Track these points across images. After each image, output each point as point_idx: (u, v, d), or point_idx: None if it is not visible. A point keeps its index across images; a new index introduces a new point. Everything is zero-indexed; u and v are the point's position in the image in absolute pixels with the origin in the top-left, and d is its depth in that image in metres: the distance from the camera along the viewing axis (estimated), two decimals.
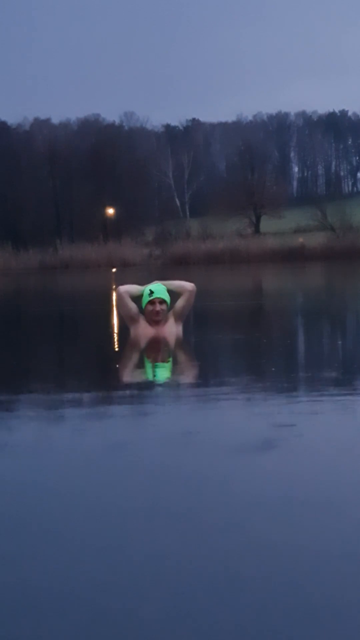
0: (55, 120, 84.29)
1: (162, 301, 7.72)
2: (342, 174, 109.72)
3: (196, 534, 2.67)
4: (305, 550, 2.50)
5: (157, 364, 6.81)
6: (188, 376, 6.13)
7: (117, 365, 6.66)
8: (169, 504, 3.00)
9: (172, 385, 5.74)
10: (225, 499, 3.03)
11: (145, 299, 7.73)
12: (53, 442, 4.08)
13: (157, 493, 3.14)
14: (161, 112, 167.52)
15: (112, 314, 12.20)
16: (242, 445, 3.86)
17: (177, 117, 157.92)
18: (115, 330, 9.88)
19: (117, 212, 60.36)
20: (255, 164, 67.35)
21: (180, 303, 7.93)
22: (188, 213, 73.49)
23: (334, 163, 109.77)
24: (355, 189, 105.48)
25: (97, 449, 3.88)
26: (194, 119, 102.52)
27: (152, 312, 7.73)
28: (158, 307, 7.70)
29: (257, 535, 2.63)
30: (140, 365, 6.81)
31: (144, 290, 7.77)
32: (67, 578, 2.37)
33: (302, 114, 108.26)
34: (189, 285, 7.98)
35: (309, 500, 2.98)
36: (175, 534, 2.67)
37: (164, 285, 7.89)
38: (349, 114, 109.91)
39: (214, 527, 2.73)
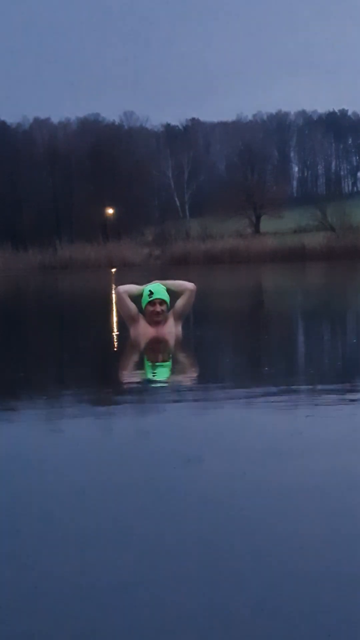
0: (55, 119, 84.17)
1: (162, 301, 7.71)
2: (342, 173, 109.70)
3: (198, 536, 2.66)
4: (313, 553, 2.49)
5: (157, 364, 6.81)
6: (188, 376, 6.13)
7: (117, 366, 6.66)
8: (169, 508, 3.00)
9: (172, 385, 5.73)
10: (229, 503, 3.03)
11: (145, 299, 7.72)
12: (56, 443, 4.08)
13: (159, 496, 3.13)
14: (161, 111, 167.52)
15: (112, 314, 12.19)
16: (243, 445, 3.85)
17: (176, 117, 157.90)
18: (115, 330, 9.87)
19: (116, 212, 60.34)
20: (255, 163, 67.34)
21: (180, 303, 7.92)
22: (188, 213, 73.41)
23: (334, 163, 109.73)
24: (355, 189, 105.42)
25: (95, 450, 3.87)
26: (193, 119, 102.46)
27: (152, 313, 7.71)
28: (158, 307, 7.69)
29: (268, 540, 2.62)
30: (140, 365, 6.80)
31: (143, 291, 7.75)
32: (65, 581, 2.36)
33: (302, 114, 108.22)
34: (189, 285, 7.97)
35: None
36: (174, 536, 2.66)
37: (164, 285, 7.87)
38: (349, 113, 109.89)
39: (217, 529, 2.73)
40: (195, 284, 8.05)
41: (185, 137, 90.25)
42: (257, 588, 2.25)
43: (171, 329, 7.83)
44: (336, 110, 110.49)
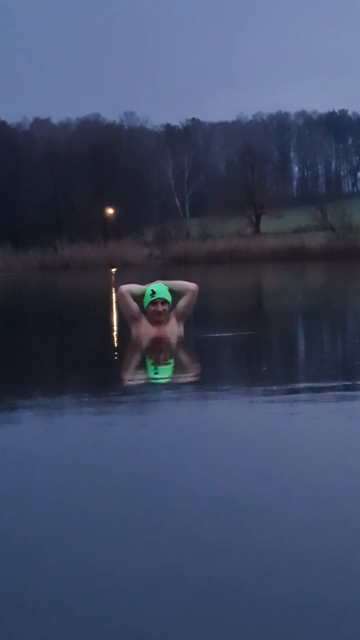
0: (55, 120, 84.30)
1: (164, 301, 7.73)
2: (342, 173, 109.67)
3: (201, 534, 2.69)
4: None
5: (158, 363, 6.82)
6: (189, 376, 6.14)
7: (119, 365, 6.68)
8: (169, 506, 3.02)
9: (174, 385, 5.75)
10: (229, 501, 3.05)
11: (147, 299, 7.73)
12: (57, 443, 4.10)
13: (159, 496, 3.15)
14: (161, 111, 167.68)
15: (113, 314, 12.21)
16: (245, 444, 3.88)
17: (177, 117, 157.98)
18: (117, 329, 9.89)
19: (117, 212, 60.29)
20: (255, 163, 67.25)
21: (182, 303, 7.93)
22: (188, 213, 73.37)
23: (334, 163, 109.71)
24: (355, 189, 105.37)
25: (95, 448, 3.89)
26: (193, 119, 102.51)
27: (154, 313, 7.73)
28: (160, 307, 7.71)
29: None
30: (142, 365, 6.82)
31: (145, 290, 7.76)
32: (64, 582, 2.38)
33: (302, 114, 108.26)
34: (191, 286, 7.98)
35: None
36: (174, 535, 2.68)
37: (166, 285, 7.89)
38: (349, 113, 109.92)
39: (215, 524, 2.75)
40: (196, 285, 8.06)
41: (185, 137, 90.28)
42: (258, 590, 2.27)
43: (173, 329, 7.85)
44: (336, 110, 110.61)
